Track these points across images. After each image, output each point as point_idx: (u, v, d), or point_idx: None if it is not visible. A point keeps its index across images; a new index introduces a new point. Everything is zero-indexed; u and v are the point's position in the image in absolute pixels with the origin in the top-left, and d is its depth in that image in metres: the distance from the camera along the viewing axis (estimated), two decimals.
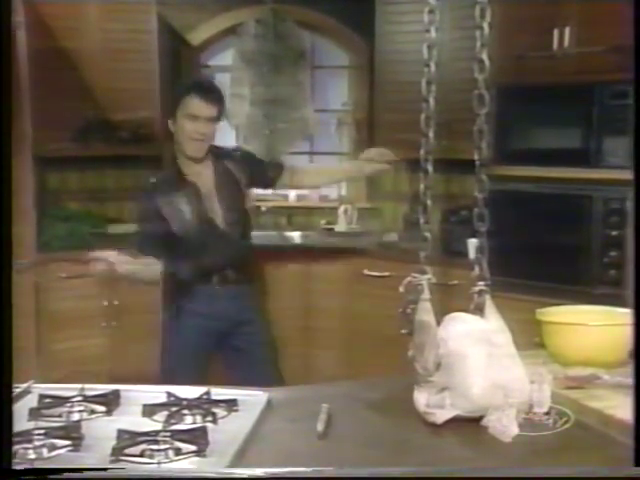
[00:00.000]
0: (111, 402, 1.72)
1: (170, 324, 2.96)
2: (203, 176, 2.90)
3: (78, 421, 1.62)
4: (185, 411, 1.65)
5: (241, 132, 4.90)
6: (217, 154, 2.96)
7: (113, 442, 1.47)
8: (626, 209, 3.17)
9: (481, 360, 1.65)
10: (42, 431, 1.50)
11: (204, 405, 1.69)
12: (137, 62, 4.26)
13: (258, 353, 3.02)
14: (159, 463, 1.42)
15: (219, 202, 2.89)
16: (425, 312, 1.71)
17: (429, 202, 1.79)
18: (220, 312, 2.91)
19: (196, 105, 2.79)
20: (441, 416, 1.64)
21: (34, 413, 1.64)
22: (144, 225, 2.92)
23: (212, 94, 2.83)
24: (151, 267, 2.82)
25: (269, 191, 4.95)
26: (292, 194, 4.93)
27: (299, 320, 4.27)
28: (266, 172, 3.08)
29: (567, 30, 3.33)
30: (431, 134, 1.79)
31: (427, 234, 1.78)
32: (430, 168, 1.79)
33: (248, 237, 3.05)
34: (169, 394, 1.76)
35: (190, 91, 2.81)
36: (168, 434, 1.50)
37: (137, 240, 2.92)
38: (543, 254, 3.44)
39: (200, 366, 2.91)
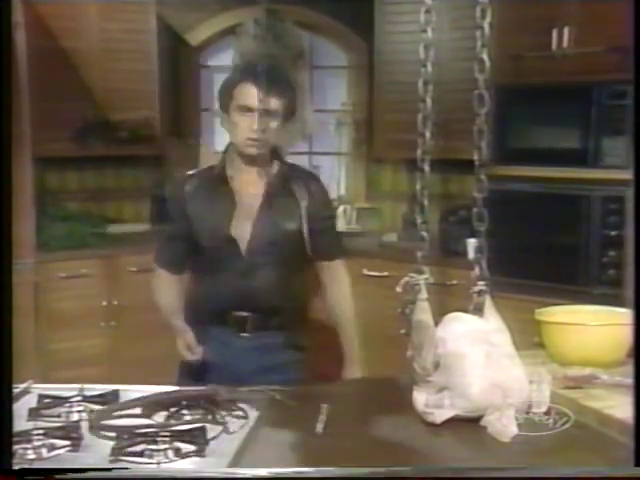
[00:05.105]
0: (110, 402, 1.71)
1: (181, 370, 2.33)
2: (250, 186, 2.27)
3: (77, 421, 1.62)
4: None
5: None
6: (284, 168, 2.33)
7: (112, 442, 1.47)
8: (624, 209, 3.17)
9: (480, 360, 1.65)
10: (41, 431, 1.50)
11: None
12: (136, 62, 4.25)
13: None
14: (159, 463, 1.42)
15: (258, 223, 2.23)
16: (423, 312, 1.71)
17: (426, 202, 1.80)
18: (235, 368, 2.20)
19: (248, 94, 2.19)
20: (440, 416, 1.64)
21: (33, 413, 1.64)
22: (167, 230, 2.38)
23: (271, 81, 2.17)
24: None
25: None
26: None
27: None
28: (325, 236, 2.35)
29: (566, 30, 3.33)
30: (428, 134, 1.79)
31: (424, 234, 1.78)
32: (427, 168, 1.80)
33: (289, 279, 2.32)
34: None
35: (244, 77, 2.22)
36: (168, 434, 1.50)
37: (157, 248, 2.40)
38: (542, 254, 3.43)
39: None
